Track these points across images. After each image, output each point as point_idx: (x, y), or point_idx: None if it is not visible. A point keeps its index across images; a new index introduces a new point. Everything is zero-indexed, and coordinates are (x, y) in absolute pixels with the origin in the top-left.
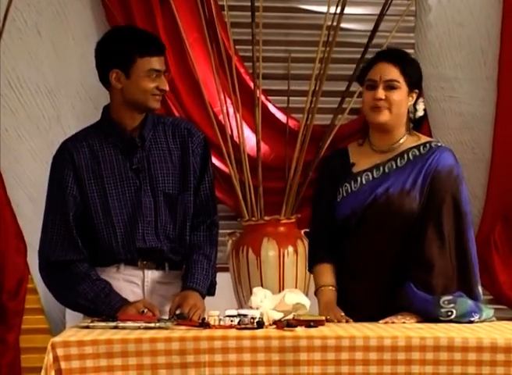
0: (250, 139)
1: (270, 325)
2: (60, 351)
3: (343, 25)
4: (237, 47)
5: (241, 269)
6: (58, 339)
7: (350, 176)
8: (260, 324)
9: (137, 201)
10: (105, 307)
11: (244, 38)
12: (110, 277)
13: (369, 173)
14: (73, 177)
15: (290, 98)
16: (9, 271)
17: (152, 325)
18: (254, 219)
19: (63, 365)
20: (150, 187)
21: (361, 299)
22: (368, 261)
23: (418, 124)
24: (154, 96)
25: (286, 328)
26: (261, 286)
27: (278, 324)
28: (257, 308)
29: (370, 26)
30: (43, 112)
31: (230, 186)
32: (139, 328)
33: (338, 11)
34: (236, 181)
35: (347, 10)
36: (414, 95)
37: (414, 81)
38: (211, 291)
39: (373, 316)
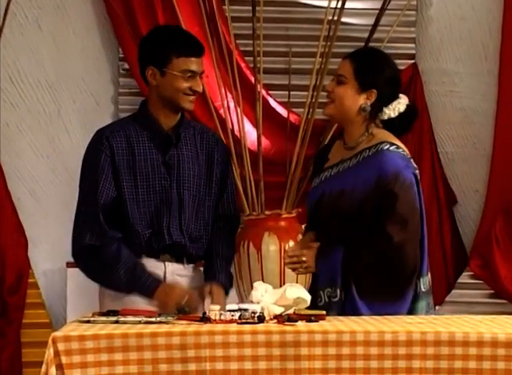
0: (250, 133)
1: (271, 319)
2: (61, 346)
3: (343, 19)
4: (238, 41)
5: (242, 264)
6: (59, 333)
7: (320, 171)
8: (261, 319)
9: (166, 196)
10: (141, 288)
11: (245, 33)
12: None
13: (330, 170)
14: (110, 163)
15: (291, 92)
16: (10, 266)
17: (153, 319)
18: (254, 213)
19: (64, 359)
20: (176, 185)
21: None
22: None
23: (394, 126)
24: (186, 96)
25: (286, 323)
26: (262, 280)
27: (279, 319)
28: (258, 303)
29: (371, 21)
30: (43, 106)
31: None
32: (139, 323)
33: (339, 5)
34: (237, 176)
35: (348, 4)
36: (373, 95)
37: (369, 81)
38: (228, 290)
39: None
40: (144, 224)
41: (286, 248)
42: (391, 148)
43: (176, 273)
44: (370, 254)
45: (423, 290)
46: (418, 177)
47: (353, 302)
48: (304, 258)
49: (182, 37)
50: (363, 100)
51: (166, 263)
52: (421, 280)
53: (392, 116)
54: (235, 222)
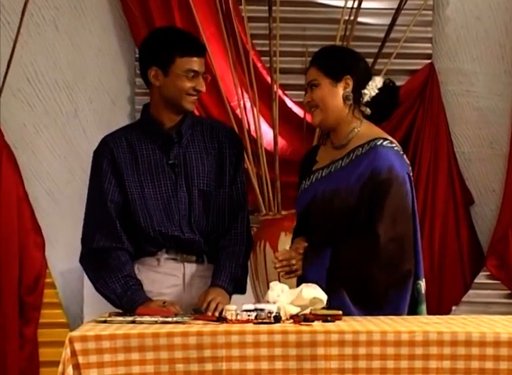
0: (267, 133)
1: (287, 319)
2: (78, 346)
3: (360, 19)
4: (254, 41)
5: (258, 264)
6: (75, 333)
7: (308, 173)
8: (277, 319)
9: (173, 194)
10: (128, 302)
11: (261, 33)
12: (152, 271)
13: (320, 171)
14: (112, 169)
15: None
16: (27, 266)
17: (169, 319)
18: (271, 213)
19: (81, 359)
20: (185, 183)
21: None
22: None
23: (381, 109)
24: (189, 96)
25: (303, 323)
26: (278, 280)
27: (295, 319)
28: (275, 303)
29: (387, 21)
30: (60, 106)
31: (247, 180)
32: (156, 323)
33: (355, 5)
34: (253, 175)
35: (364, 4)
36: (349, 82)
37: (336, 70)
38: (241, 289)
39: None
40: (154, 222)
41: (277, 253)
42: (384, 143)
43: (195, 275)
44: (357, 255)
45: (422, 292)
46: (411, 176)
47: (346, 308)
48: (293, 261)
49: (184, 37)
50: (342, 90)
51: (185, 264)
52: (419, 283)
53: (373, 93)
54: (245, 215)
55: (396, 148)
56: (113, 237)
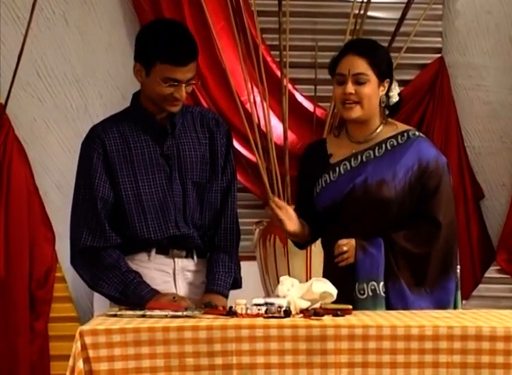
0: (277, 128)
1: (297, 314)
2: (88, 340)
3: (370, 13)
4: (264, 35)
5: (268, 258)
6: (86, 327)
7: (328, 166)
8: (287, 313)
9: (168, 188)
10: (135, 298)
11: (271, 27)
12: (142, 267)
13: (347, 163)
14: (103, 162)
15: (317, 86)
16: (38, 260)
17: (179, 314)
18: None
19: (91, 353)
20: (178, 175)
21: (340, 285)
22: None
23: (395, 109)
24: (169, 101)
25: (313, 317)
26: (288, 275)
27: (305, 313)
28: (284, 297)
29: (397, 15)
30: (70, 101)
31: (257, 174)
32: (166, 317)
33: None
34: (263, 170)
35: None
36: (386, 84)
37: (384, 71)
38: (236, 285)
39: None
40: (148, 219)
41: (340, 242)
42: (421, 134)
43: (186, 269)
44: (421, 241)
45: (459, 278)
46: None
47: (404, 296)
48: (345, 248)
49: (171, 43)
50: (381, 92)
51: (176, 259)
52: (458, 267)
53: (395, 100)
54: (234, 207)
55: (429, 140)
56: (101, 238)
